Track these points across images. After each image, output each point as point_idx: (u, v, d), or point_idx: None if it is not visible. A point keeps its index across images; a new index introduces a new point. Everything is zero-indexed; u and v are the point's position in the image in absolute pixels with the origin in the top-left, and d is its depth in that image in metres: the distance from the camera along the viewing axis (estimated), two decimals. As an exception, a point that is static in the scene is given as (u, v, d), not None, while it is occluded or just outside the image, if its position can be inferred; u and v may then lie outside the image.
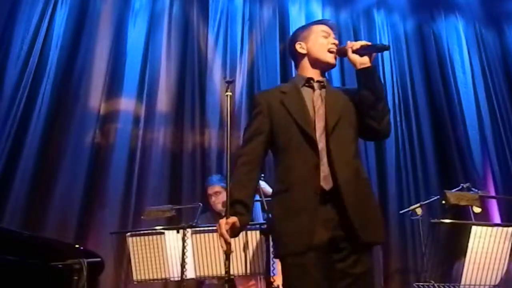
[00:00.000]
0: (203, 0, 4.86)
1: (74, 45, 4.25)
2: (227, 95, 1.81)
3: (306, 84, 1.77)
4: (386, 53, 5.23)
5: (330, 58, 1.79)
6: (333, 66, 1.82)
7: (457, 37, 5.52)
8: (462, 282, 2.54)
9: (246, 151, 1.71)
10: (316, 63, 1.80)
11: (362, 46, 1.72)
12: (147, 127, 4.23)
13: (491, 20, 5.70)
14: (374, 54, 1.74)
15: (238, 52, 4.74)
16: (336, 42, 1.82)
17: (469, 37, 5.54)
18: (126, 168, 4.02)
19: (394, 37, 5.40)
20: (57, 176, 3.82)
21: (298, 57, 1.85)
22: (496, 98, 5.28)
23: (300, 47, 1.83)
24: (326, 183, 1.58)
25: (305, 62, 1.82)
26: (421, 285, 2.74)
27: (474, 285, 2.53)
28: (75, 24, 4.32)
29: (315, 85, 1.76)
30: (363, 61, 1.70)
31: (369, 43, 1.73)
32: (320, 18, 5.09)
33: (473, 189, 3.34)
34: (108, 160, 4.04)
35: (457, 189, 3.28)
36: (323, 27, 1.84)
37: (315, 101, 1.71)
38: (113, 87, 4.27)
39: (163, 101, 4.35)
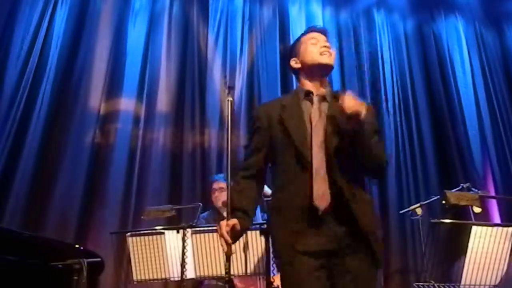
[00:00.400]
0: (203, 0, 4.86)
1: (74, 45, 4.25)
2: (228, 100, 1.80)
3: (306, 97, 1.74)
4: (386, 53, 5.24)
5: (322, 59, 1.74)
6: (329, 66, 1.77)
7: (457, 37, 5.52)
8: (462, 282, 2.54)
9: (248, 165, 1.74)
10: (311, 71, 1.76)
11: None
12: (147, 127, 4.23)
13: (491, 20, 5.70)
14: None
15: (238, 52, 4.74)
16: (327, 44, 1.77)
17: (469, 37, 5.54)
18: (126, 168, 4.02)
19: (394, 37, 5.40)
20: (57, 176, 3.82)
21: (296, 73, 1.85)
22: (496, 98, 5.28)
23: (294, 63, 1.81)
24: (322, 201, 1.56)
25: (303, 76, 1.80)
26: (421, 285, 2.74)
27: (474, 285, 2.53)
28: (75, 24, 4.32)
29: (315, 99, 1.72)
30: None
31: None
32: (320, 18, 5.11)
33: (473, 189, 3.33)
34: (108, 160, 4.04)
35: (457, 189, 3.27)
36: (311, 35, 1.81)
37: (312, 116, 1.68)
38: (113, 87, 4.27)
39: (163, 101, 4.35)
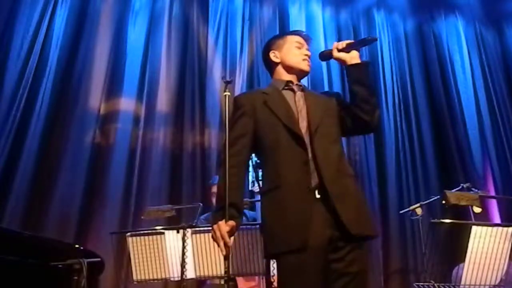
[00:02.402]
0: (203, 0, 4.86)
1: (74, 45, 4.24)
2: (225, 95, 1.81)
3: (286, 87, 1.80)
4: (386, 53, 5.24)
5: (304, 65, 1.83)
6: (307, 73, 1.86)
7: (457, 37, 5.52)
8: (462, 282, 2.54)
9: (232, 153, 1.66)
10: (290, 69, 1.84)
11: (348, 44, 1.77)
12: (147, 127, 4.23)
13: (491, 20, 5.71)
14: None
15: (238, 52, 4.74)
16: (309, 53, 1.85)
17: (469, 37, 5.55)
18: (126, 168, 4.02)
19: (394, 37, 5.40)
20: (57, 176, 3.81)
21: (272, 65, 1.88)
22: (496, 98, 5.29)
23: (273, 56, 1.86)
24: (312, 180, 1.59)
25: (280, 68, 1.86)
26: (421, 285, 2.74)
27: (474, 285, 2.53)
28: (75, 24, 4.31)
29: (295, 87, 1.79)
30: (353, 56, 1.76)
31: (353, 41, 1.79)
32: (320, 18, 5.11)
33: (473, 189, 3.34)
34: (108, 160, 4.03)
35: (457, 189, 3.28)
36: (297, 38, 1.88)
37: (297, 102, 1.74)
38: (113, 87, 4.27)
39: (163, 101, 4.35)
